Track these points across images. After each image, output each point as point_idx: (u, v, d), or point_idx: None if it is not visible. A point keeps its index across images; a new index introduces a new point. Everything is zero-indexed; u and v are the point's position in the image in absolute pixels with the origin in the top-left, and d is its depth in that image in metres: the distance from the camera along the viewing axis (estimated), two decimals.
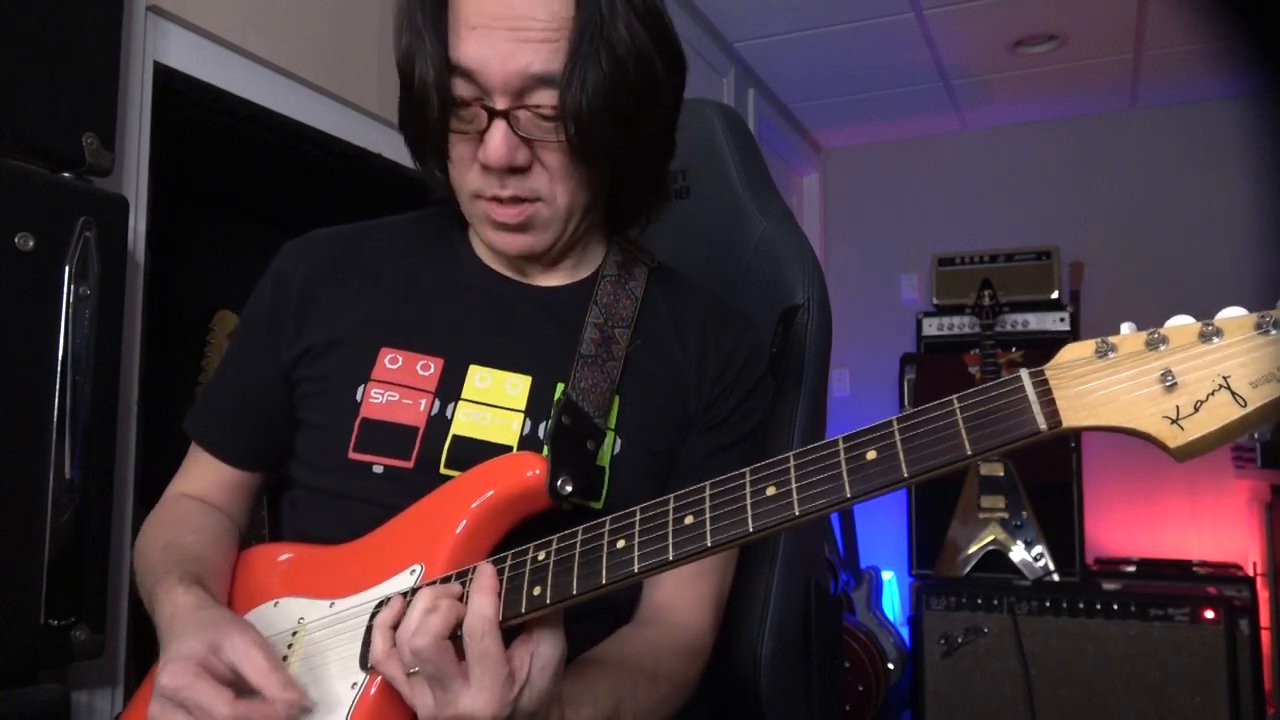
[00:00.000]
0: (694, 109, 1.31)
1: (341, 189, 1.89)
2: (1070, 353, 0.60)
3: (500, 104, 0.85)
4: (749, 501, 0.66)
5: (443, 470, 0.89)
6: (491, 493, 0.82)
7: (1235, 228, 3.64)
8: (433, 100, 0.86)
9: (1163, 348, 0.58)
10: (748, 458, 1.00)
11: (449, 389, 0.92)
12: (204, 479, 1.04)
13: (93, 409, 1.16)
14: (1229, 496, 3.61)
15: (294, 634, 0.86)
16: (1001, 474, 3.22)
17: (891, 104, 3.95)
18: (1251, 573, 3.21)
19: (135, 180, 1.34)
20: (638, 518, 0.71)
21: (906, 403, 3.62)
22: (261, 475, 1.06)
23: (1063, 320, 3.57)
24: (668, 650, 0.91)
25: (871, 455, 0.63)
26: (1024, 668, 2.80)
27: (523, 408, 0.92)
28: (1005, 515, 3.19)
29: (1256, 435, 3.38)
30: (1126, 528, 3.74)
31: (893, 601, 3.86)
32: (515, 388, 0.93)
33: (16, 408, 1.09)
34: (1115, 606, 2.75)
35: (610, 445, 0.92)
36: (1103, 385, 0.58)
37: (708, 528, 0.67)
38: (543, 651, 0.72)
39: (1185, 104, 3.87)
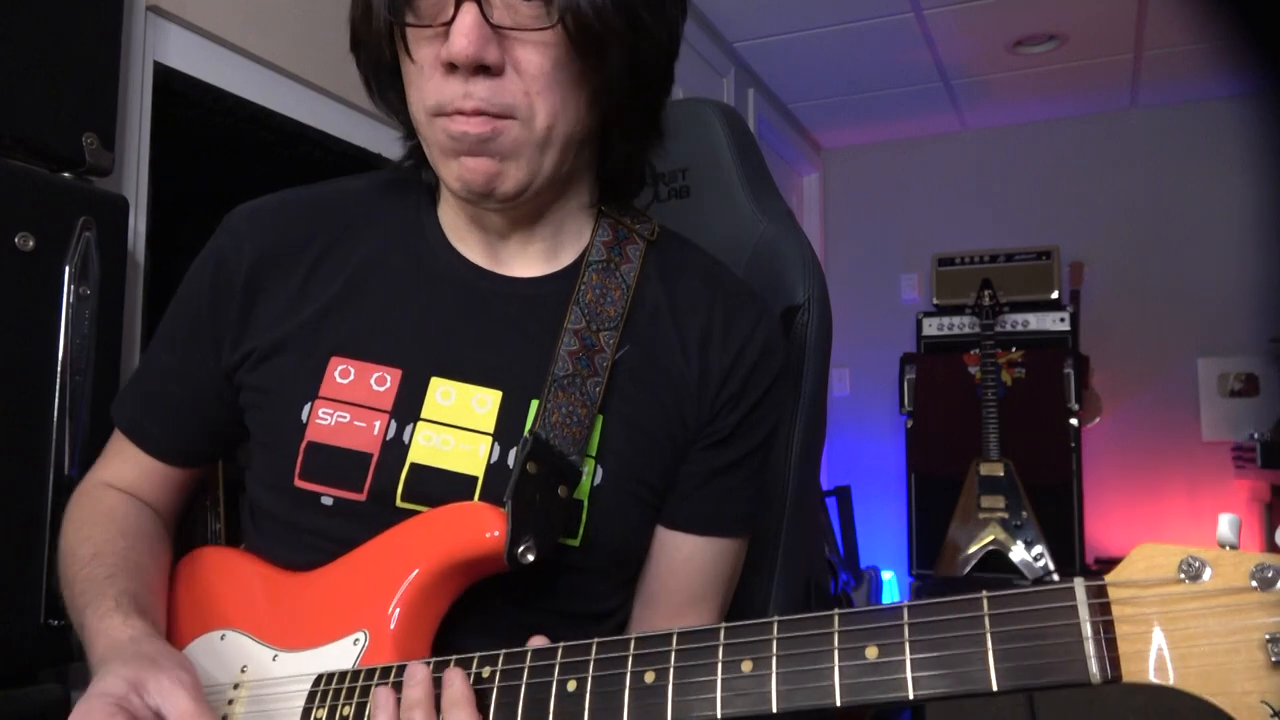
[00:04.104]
0: (694, 108, 1.31)
1: None
2: (1143, 562, 0.47)
3: None
4: (720, 677, 0.56)
5: (399, 504, 0.79)
6: (432, 561, 0.75)
7: (1236, 228, 3.64)
8: None
9: (1278, 587, 0.44)
10: (755, 476, 0.89)
11: (407, 407, 0.80)
12: (131, 471, 0.91)
13: (93, 409, 1.16)
14: (1229, 496, 3.61)
15: (235, 688, 0.80)
16: (1001, 474, 3.23)
17: (891, 104, 3.95)
18: None
19: (135, 180, 1.34)
20: (593, 656, 0.62)
21: (906, 402, 3.62)
22: (198, 471, 0.95)
23: (1063, 320, 3.57)
24: None
25: (872, 653, 0.52)
26: None
27: (491, 430, 0.80)
28: (1005, 515, 3.20)
29: (1256, 435, 3.38)
30: (1126, 528, 3.74)
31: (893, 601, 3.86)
32: (483, 405, 0.80)
33: (16, 407, 1.09)
34: None
35: (590, 476, 0.80)
36: (1184, 631, 0.45)
37: (669, 695, 0.58)
38: None
39: (1185, 104, 3.87)
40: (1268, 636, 0.43)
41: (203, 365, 0.88)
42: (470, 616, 0.78)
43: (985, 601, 0.50)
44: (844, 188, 4.49)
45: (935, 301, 3.82)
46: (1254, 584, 0.44)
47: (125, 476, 0.92)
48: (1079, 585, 0.48)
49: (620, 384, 0.82)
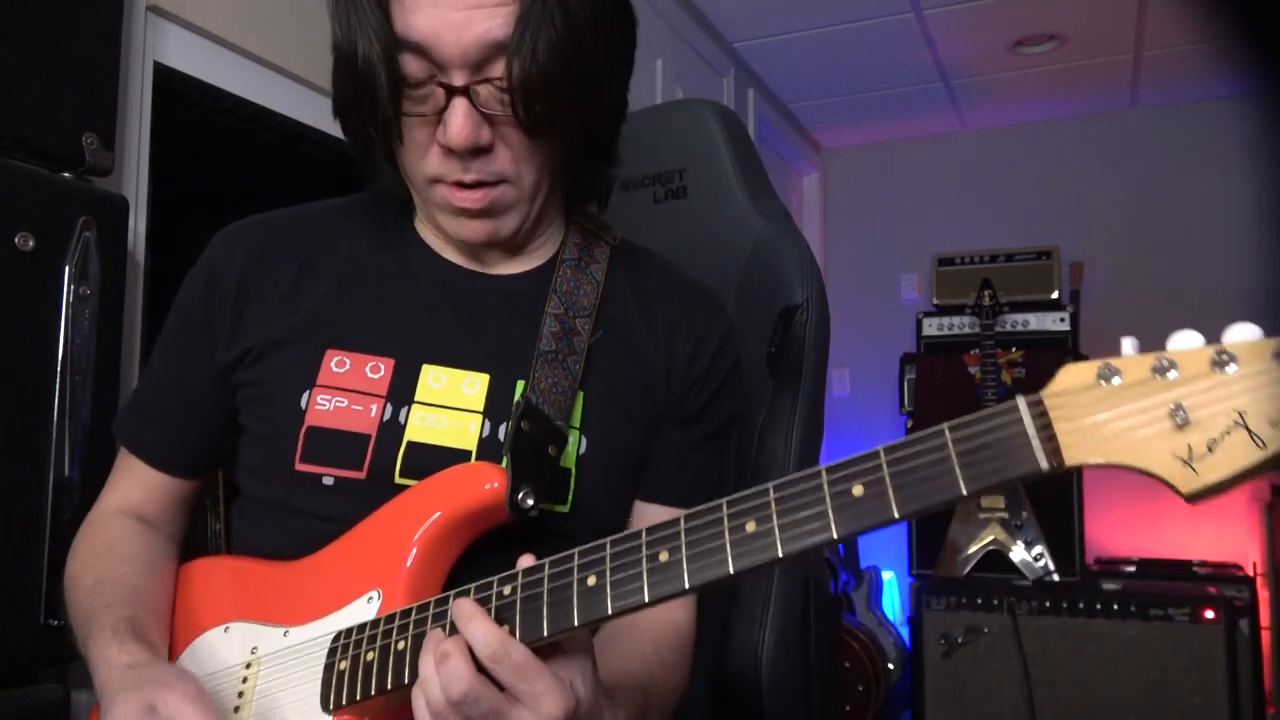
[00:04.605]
0: (692, 109, 1.31)
1: (341, 189, 1.89)
2: (1069, 377, 0.56)
3: (459, 80, 0.79)
4: (728, 539, 0.62)
5: (398, 480, 0.84)
6: (448, 508, 0.78)
7: (1235, 228, 3.64)
8: (381, 82, 0.78)
9: (1172, 374, 0.53)
10: (724, 451, 0.99)
11: (401, 391, 0.86)
12: (137, 491, 0.96)
13: (93, 409, 1.16)
14: (1229, 496, 3.59)
15: (248, 667, 0.81)
16: None
17: (891, 104, 3.95)
18: (1251, 573, 3.21)
19: (135, 180, 1.34)
20: (608, 551, 0.66)
21: (906, 402, 3.62)
22: (199, 483, 0.99)
23: (1063, 320, 3.56)
24: (668, 645, 0.90)
25: (858, 491, 0.59)
26: (1024, 668, 2.80)
27: (481, 409, 0.86)
28: (1005, 515, 3.19)
29: None
30: (1126, 528, 3.74)
31: (893, 601, 3.86)
32: (473, 387, 0.87)
33: (16, 408, 1.09)
34: (1115, 606, 2.75)
35: (575, 445, 0.87)
36: (1108, 418, 0.54)
37: (684, 567, 0.63)
38: (575, 660, 0.69)
39: (1185, 104, 3.87)
40: (1171, 406, 0.53)
41: (197, 368, 0.92)
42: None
43: (947, 430, 0.59)
44: (844, 188, 4.49)
45: (935, 301, 3.82)
46: (1155, 375, 0.54)
47: (131, 497, 0.95)
48: (1020, 401, 0.57)
49: (596, 364, 0.90)
